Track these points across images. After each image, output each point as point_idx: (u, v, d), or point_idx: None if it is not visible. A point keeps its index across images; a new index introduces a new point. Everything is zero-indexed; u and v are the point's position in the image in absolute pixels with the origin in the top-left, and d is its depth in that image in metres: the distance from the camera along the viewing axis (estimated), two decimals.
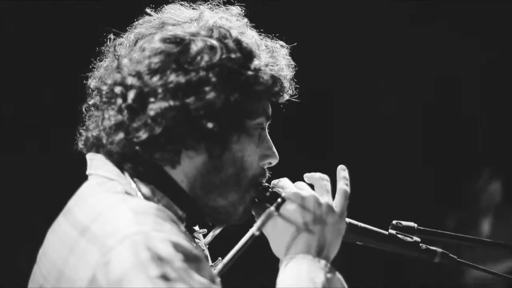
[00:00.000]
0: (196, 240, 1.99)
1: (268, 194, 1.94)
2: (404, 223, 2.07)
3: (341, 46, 4.75)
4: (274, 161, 1.96)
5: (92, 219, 1.71)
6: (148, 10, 1.96)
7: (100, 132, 1.86)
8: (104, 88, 1.87)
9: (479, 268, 2.16)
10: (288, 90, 1.95)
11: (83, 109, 1.94)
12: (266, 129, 1.95)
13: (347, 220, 1.99)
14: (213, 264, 2.00)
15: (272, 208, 1.87)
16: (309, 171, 1.98)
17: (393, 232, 2.05)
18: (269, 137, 1.96)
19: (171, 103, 1.79)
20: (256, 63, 1.86)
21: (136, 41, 1.88)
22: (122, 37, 1.93)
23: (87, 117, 1.93)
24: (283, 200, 1.88)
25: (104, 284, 1.61)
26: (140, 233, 1.63)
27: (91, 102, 1.91)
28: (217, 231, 2.06)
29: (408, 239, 2.05)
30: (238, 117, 1.84)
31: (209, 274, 1.67)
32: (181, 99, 1.79)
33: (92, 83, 1.92)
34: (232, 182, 1.88)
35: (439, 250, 2.06)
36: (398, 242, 2.05)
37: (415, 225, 2.08)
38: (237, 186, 1.89)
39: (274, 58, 1.91)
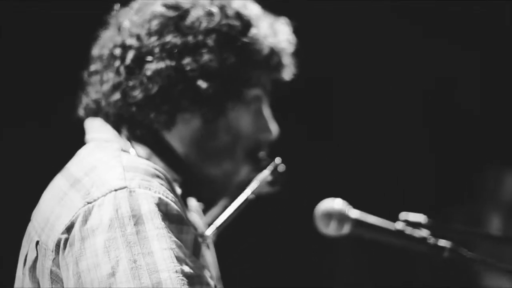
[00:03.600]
0: (191, 212, 1.98)
1: (264, 163, 1.95)
2: (412, 215, 2.02)
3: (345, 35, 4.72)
4: (270, 137, 1.97)
5: (85, 173, 1.72)
6: None
7: (99, 95, 1.90)
8: (105, 52, 1.91)
9: (491, 263, 2.09)
10: (288, 66, 1.98)
11: (85, 76, 1.97)
12: (266, 104, 1.97)
13: (354, 216, 1.97)
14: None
15: (267, 171, 1.90)
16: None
17: (401, 224, 2.00)
18: (268, 112, 1.97)
19: (168, 63, 1.84)
20: (254, 32, 1.91)
21: (139, 9, 1.93)
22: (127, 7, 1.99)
23: (88, 84, 1.96)
24: (278, 164, 1.91)
25: (77, 232, 1.61)
26: (125, 188, 1.63)
27: (92, 69, 1.95)
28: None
29: (416, 233, 2.00)
30: (233, 82, 1.88)
31: (191, 238, 1.66)
32: (177, 59, 1.84)
33: (95, 51, 1.96)
34: (227, 150, 1.90)
35: (448, 244, 2.00)
36: (405, 237, 2.00)
37: (424, 218, 2.02)
38: (231, 154, 1.91)
39: (274, 31, 1.95)
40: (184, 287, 1.56)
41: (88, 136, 1.91)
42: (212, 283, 1.69)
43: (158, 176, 1.69)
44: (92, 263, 1.57)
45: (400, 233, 1.99)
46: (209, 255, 2.04)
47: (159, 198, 1.63)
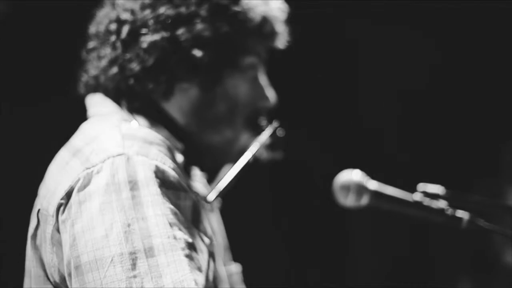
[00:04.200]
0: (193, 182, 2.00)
1: (263, 129, 1.99)
2: (430, 186, 2.01)
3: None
4: (268, 104, 2.00)
5: (86, 142, 1.74)
6: None
7: (98, 71, 1.93)
8: (101, 28, 1.94)
9: (509, 234, 2.08)
10: (281, 34, 2.00)
11: (83, 54, 1.99)
12: (262, 72, 2.00)
13: (373, 187, 1.96)
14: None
15: (267, 132, 1.95)
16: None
17: (419, 195, 1.99)
18: (265, 80, 2.00)
19: (162, 34, 1.88)
20: (245, 1, 1.94)
21: None
22: None
23: (87, 61, 1.98)
24: (277, 127, 1.96)
25: (75, 196, 1.64)
26: (123, 155, 1.65)
27: (90, 46, 1.97)
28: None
29: (434, 204, 1.99)
30: (228, 50, 1.91)
31: (189, 204, 1.68)
32: (172, 30, 1.88)
33: (91, 28, 1.99)
34: (226, 118, 1.94)
35: (466, 216, 1.99)
36: (423, 208, 1.98)
37: (442, 188, 2.01)
38: (230, 122, 1.95)
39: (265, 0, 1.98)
40: (176, 253, 1.56)
41: (90, 112, 1.93)
42: (206, 250, 1.71)
43: (157, 144, 1.71)
44: (87, 226, 1.60)
45: (418, 204, 1.97)
46: (215, 222, 2.04)
47: (156, 166, 1.65)
